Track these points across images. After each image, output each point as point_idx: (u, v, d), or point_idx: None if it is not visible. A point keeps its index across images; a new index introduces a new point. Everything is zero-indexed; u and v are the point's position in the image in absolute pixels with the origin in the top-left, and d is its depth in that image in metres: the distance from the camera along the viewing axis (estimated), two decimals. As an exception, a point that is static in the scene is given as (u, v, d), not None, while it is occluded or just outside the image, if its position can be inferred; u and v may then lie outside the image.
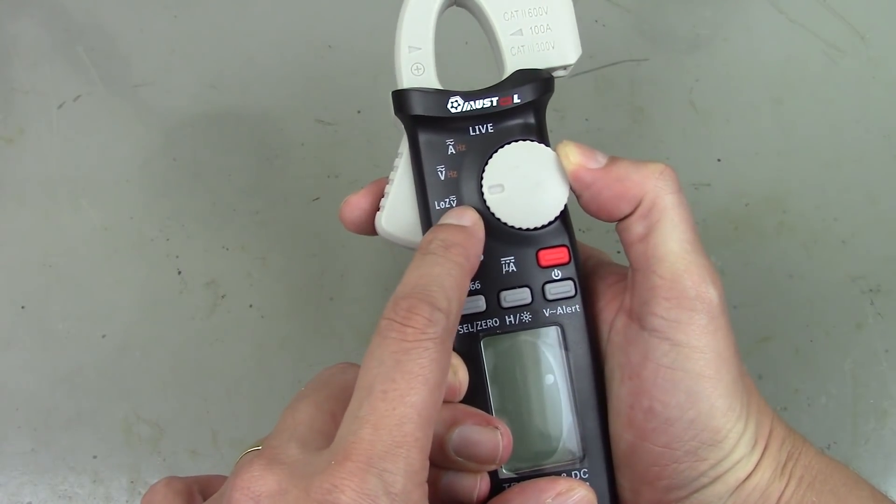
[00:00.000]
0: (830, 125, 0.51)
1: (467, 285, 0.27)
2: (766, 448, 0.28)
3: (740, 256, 0.49)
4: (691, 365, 0.27)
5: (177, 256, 0.49)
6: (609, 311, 0.31)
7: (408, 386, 0.23)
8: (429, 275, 0.26)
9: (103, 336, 0.48)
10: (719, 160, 0.51)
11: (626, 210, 0.29)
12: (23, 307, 0.49)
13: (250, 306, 0.48)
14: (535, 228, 0.30)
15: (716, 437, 0.27)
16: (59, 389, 0.47)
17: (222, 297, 0.49)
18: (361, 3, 0.54)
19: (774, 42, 0.53)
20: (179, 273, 0.49)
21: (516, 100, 0.30)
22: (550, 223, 0.30)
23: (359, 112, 0.52)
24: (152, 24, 0.55)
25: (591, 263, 0.33)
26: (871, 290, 0.48)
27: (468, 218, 0.29)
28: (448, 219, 0.29)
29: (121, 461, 0.46)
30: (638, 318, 0.29)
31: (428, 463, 0.23)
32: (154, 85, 0.53)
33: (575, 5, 0.31)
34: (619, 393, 0.29)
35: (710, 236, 0.49)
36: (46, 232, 0.50)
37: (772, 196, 0.50)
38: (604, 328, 0.31)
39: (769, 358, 0.47)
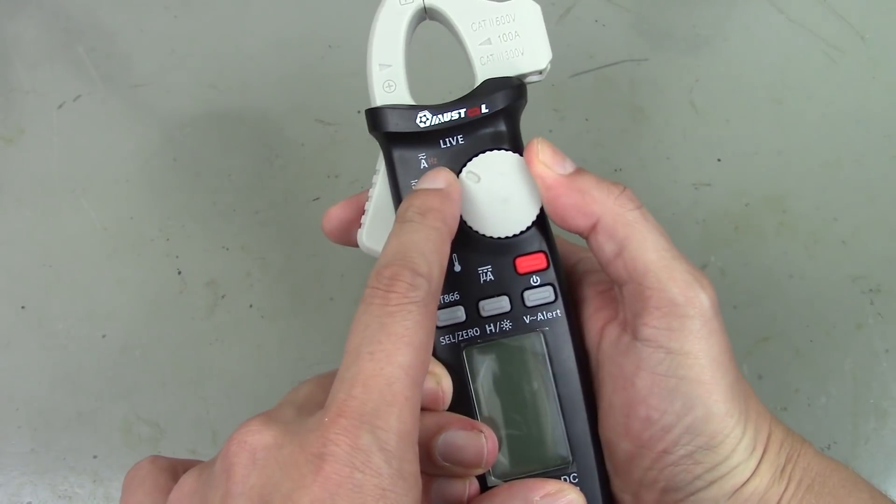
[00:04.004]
0: (830, 125, 0.51)
1: (447, 248, 0.27)
2: (764, 452, 0.28)
3: (740, 256, 0.49)
4: (686, 371, 0.27)
5: (177, 256, 0.49)
6: (598, 318, 0.30)
7: (394, 347, 0.23)
8: (408, 242, 0.26)
9: (103, 336, 0.48)
10: (719, 160, 0.51)
11: (580, 223, 0.29)
12: (23, 307, 0.49)
13: (250, 306, 0.48)
14: (510, 237, 0.30)
15: (712, 441, 0.27)
16: (59, 389, 0.47)
17: (222, 297, 0.49)
18: (361, 3, 0.54)
19: (774, 42, 0.53)
20: (179, 273, 0.49)
21: (484, 110, 0.30)
22: (525, 231, 0.30)
23: (359, 112, 0.52)
24: (152, 24, 0.55)
25: (581, 268, 0.32)
26: (871, 290, 0.48)
27: (442, 179, 0.29)
28: (422, 183, 0.29)
29: (121, 461, 0.46)
30: (630, 329, 0.29)
31: (419, 423, 0.24)
32: (154, 85, 0.53)
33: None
34: (612, 403, 0.29)
35: (710, 236, 0.49)
36: (46, 232, 0.50)
37: (772, 196, 0.50)
38: (593, 335, 0.30)
39: (769, 358, 0.47)
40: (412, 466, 0.23)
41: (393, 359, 0.23)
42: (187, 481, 0.25)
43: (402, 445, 0.23)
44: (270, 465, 0.23)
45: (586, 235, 0.29)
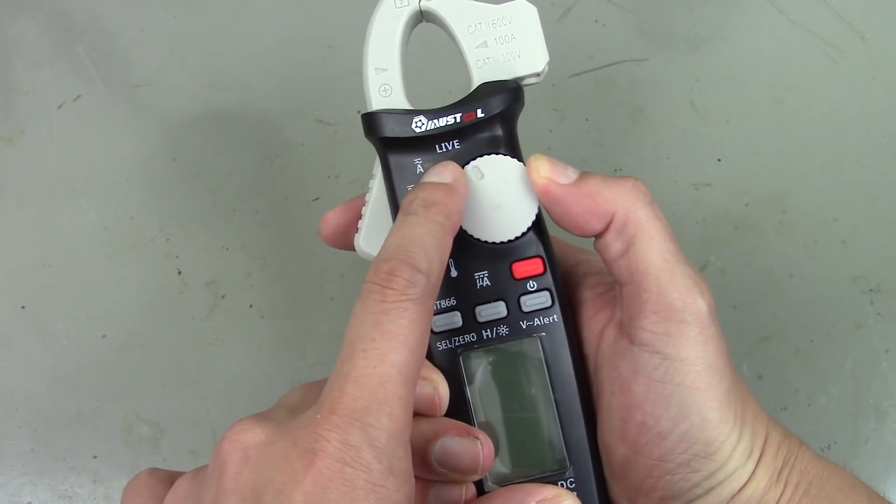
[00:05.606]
0: (830, 125, 0.51)
1: (449, 244, 0.27)
2: (761, 457, 0.28)
3: (740, 256, 0.49)
4: (681, 378, 0.27)
5: (177, 256, 0.49)
6: (597, 321, 0.30)
7: (388, 345, 0.23)
8: (410, 236, 0.26)
9: (103, 336, 0.48)
10: (719, 160, 0.51)
11: (596, 226, 0.29)
12: (23, 307, 0.49)
13: (250, 306, 0.48)
14: (506, 242, 0.29)
15: (708, 449, 0.27)
16: (59, 389, 0.47)
17: (222, 297, 0.49)
18: (361, 3, 0.54)
19: (774, 42, 0.53)
20: (179, 273, 0.49)
21: (480, 114, 0.29)
22: (522, 236, 0.29)
23: (359, 112, 0.52)
24: (152, 24, 0.55)
25: (580, 271, 0.32)
26: (871, 290, 0.48)
27: (449, 174, 0.28)
28: (429, 177, 0.28)
29: (121, 461, 0.46)
30: (627, 332, 0.28)
31: (411, 421, 0.24)
32: (154, 85, 0.53)
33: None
34: (610, 406, 0.29)
35: (710, 236, 0.49)
36: (46, 232, 0.50)
37: (772, 196, 0.50)
38: (592, 339, 0.30)
39: (769, 358, 0.47)
40: (403, 464, 0.23)
41: (386, 357, 0.23)
42: (182, 484, 0.25)
43: (393, 443, 0.23)
44: (262, 462, 0.23)
45: (599, 236, 0.29)
